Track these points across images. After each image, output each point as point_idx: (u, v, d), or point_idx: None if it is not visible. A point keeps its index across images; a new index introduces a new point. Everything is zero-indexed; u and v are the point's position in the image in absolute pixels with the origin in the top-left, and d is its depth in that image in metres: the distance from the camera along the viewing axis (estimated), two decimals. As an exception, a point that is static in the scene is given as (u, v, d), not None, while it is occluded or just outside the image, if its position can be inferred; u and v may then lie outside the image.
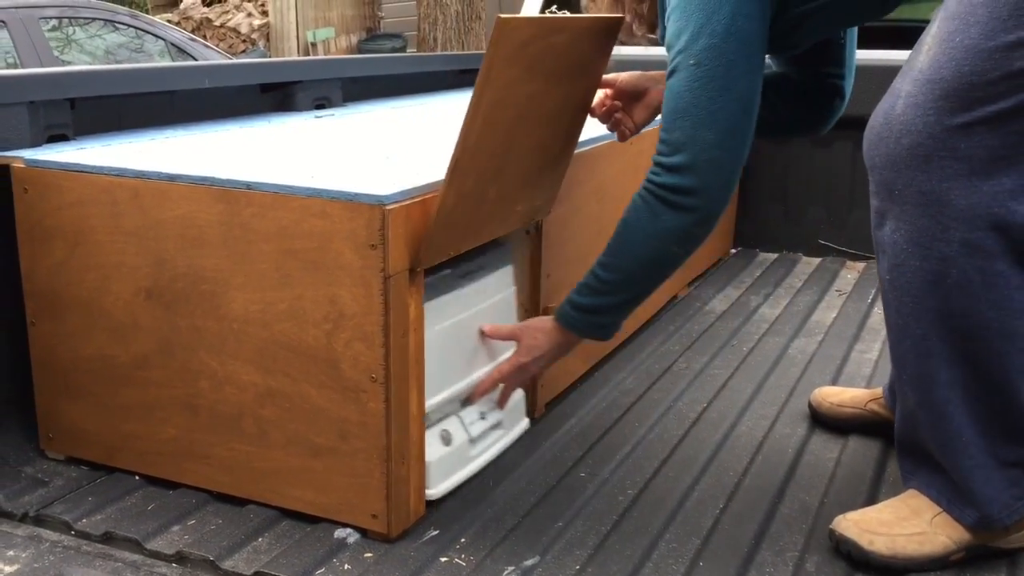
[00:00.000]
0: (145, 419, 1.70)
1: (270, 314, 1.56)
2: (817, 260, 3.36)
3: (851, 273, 3.19)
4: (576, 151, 2.03)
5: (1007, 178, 1.37)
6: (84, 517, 1.60)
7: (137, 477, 1.74)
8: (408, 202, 1.49)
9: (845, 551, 1.52)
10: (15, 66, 4.98)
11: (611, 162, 2.24)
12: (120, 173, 1.64)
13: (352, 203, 1.47)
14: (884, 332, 2.58)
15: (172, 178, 1.59)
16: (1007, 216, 1.37)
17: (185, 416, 1.66)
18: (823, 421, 2.00)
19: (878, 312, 2.77)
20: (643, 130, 1.91)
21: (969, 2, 1.37)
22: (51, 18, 5.41)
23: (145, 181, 1.61)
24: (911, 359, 1.50)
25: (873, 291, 2.96)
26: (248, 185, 1.54)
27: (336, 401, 1.54)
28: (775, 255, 3.42)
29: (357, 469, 1.55)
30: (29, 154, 1.72)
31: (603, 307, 1.64)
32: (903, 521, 1.53)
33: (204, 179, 1.57)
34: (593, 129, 2.25)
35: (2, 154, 1.73)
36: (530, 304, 1.93)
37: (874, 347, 2.49)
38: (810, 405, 2.04)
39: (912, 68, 1.45)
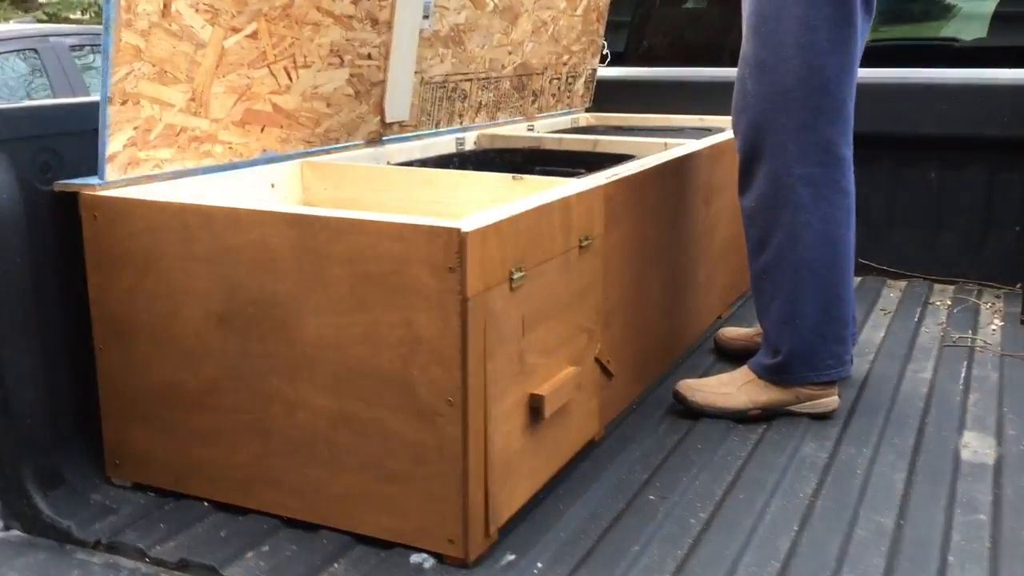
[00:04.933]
0: (215, 445, 1.70)
1: (344, 338, 1.55)
2: (858, 279, 3.34)
3: (893, 292, 3.17)
4: (625, 175, 2.04)
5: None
6: (158, 544, 1.59)
7: (206, 503, 1.73)
8: (485, 225, 1.49)
9: (679, 402, 2.17)
10: (48, 95, 5.02)
11: (661, 184, 2.24)
12: (192, 199, 1.64)
13: (429, 226, 1.47)
14: (935, 351, 2.57)
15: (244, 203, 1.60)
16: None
17: (257, 441, 1.66)
18: (723, 352, 2.56)
19: (926, 331, 2.76)
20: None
21: None
22: (82, 46, 5.45)
23: (217, 206, 1.61)
24: (773, 264, 2.07)
25: (919, 310, 2.94)
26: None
27: (412, 425, 1.53)
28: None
29: (433, 494, 1.54)
30: (99, 181, 1.72)
31: None
32: (722, 385, 2.16)
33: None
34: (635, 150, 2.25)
35: (71, 182, 1.73)
36: (591, 325, 1.92)
37: (927, 366, 2.47)
38: (715, 341, 2.60)
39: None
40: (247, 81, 2.00)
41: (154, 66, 1.77)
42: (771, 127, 2.01)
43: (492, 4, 2.82)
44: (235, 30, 1.93)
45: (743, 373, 2.18)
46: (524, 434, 1.68)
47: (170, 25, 1.77)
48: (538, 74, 3.24)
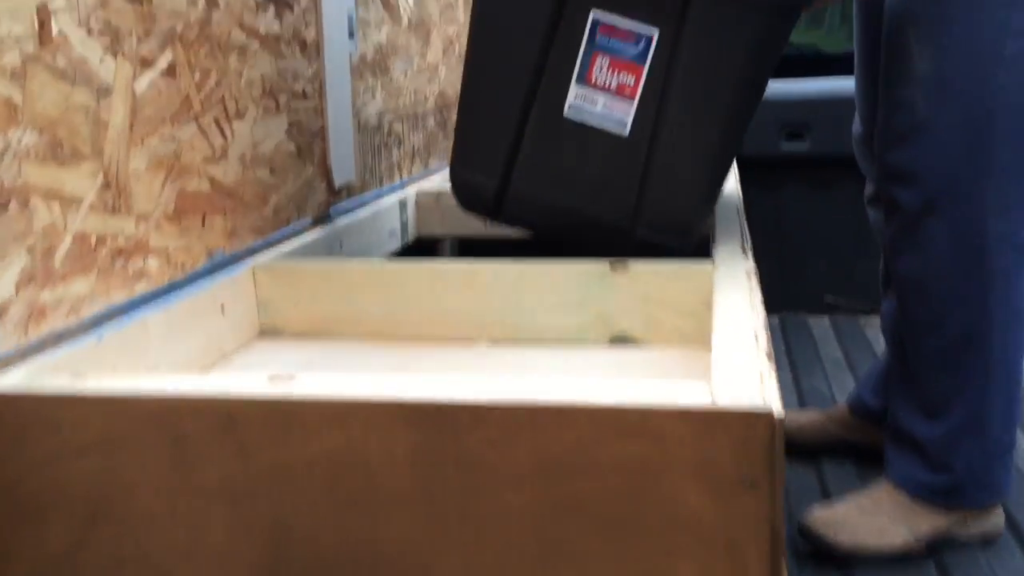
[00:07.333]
0: None
1: (524, 615, 0.86)
2: (825, 319, 2.93)
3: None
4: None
5: None
6: None
7: None
8: (775, 387, 0.84)
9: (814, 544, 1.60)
10: None
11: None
12: (190, 385, 0.89)
13: (705, 410, 0.80)
14: None
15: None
16: None
17: None
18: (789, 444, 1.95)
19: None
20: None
21: None
22: None
23: (246, 398, 0.87)
24: (953, 352, 1.54)
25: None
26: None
27: None
28: (774, 317, 2.93)
29: None
30: (-19, 360, 0.93)
31: None
32: (865, 514, 1.60)
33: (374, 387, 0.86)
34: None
35: (-75, 365, 0.93)
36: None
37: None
38: None
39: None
40: (173, 146, 1.24)
41: (41, 133, 0.99)
42: (961, 167, 1.46)
43: (407, 18, 2.16)
44: (146, 63, 1.17)
45: (888, 495, 1.62)
46: None
47: (54, 59, 1.01)
48: (453, 105, 2.59)
